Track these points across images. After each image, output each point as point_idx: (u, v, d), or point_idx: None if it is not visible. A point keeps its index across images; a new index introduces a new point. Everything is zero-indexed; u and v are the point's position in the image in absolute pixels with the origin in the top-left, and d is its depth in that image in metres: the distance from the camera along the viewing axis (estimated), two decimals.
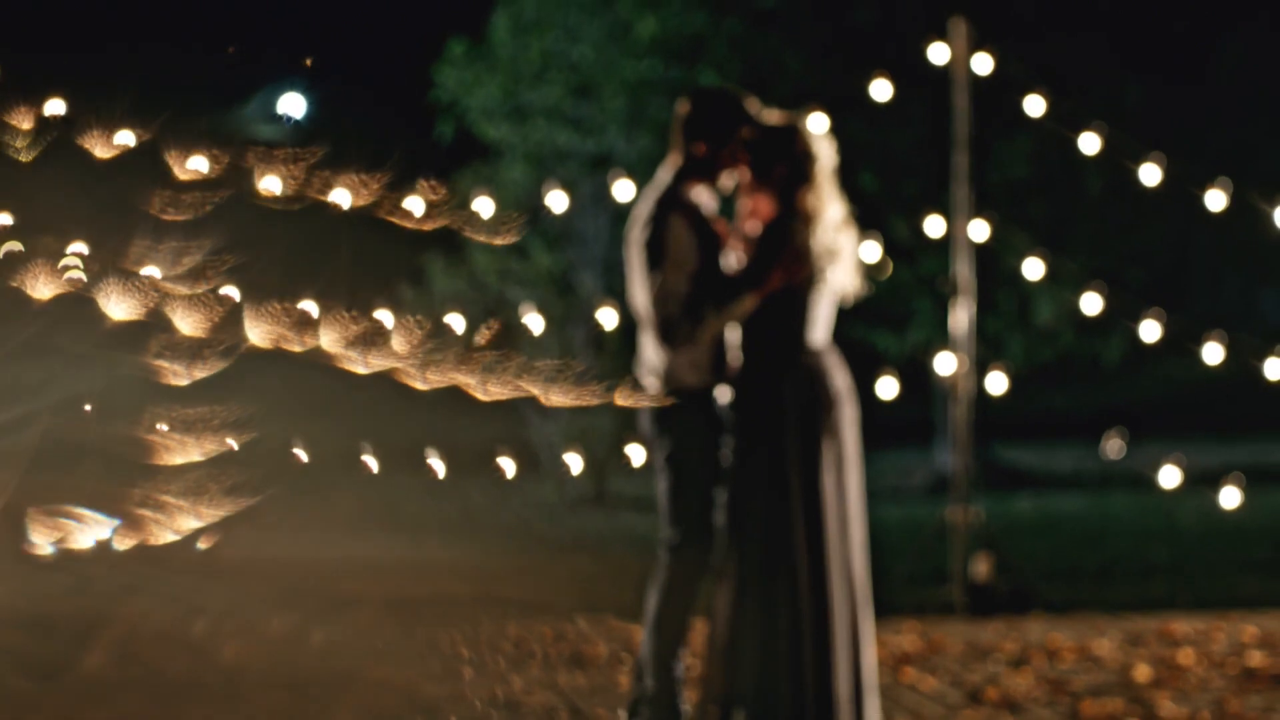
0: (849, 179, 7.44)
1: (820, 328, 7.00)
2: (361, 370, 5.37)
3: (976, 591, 10.76)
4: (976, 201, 11.08)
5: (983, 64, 10.90)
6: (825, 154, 7.01)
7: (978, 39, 10.96)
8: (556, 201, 10.28)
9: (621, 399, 6.48)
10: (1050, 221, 18.56)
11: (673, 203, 6.94)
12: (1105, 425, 22.08)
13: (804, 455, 6.86)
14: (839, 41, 18.67)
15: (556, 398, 6.22)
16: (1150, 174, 10.37)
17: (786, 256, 6.87)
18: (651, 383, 6.91)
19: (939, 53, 10.93)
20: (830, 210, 6.98)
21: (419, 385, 5.47)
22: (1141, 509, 16.63)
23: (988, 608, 10.65)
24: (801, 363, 6.94)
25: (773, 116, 7.05)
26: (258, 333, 5.20)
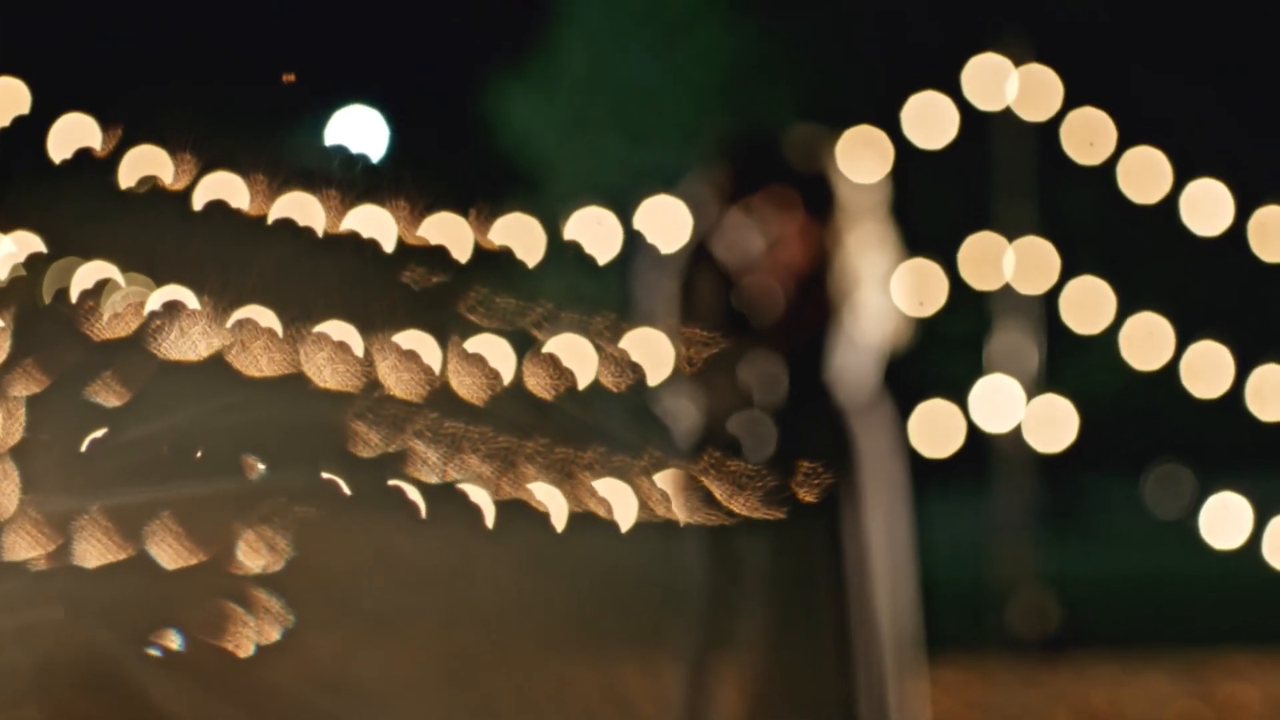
0: (907, 209, 7.27)
1: (854, 378, 6.81)
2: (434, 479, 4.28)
3: (1024, 631, 10.70)
4: (1037, 232, 10.93)
5: (1044, 87, 10.68)
6: (856, 195, 6.87)
7: (1036, 57, 10.75)
8: (606, 227, 10.08)
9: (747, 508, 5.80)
10: (1116, 257, 18.38)
11: (704, 253, 6.83)
12: (1173, 462, 21.87)
13: (824, 507, 6.67)
14: (899, 64, 18.57)
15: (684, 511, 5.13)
16: (1217, 215, 10.10)
17: (809, 309, 6.72)
18: (677, 411, 6.79)
19: (992, 72, 10.65)
20: (859, 255, 6.81)
21: (488, 507, 4.29)
22: (1203, 549, 16.41)
23: (1035, 647, 10.59)
24: (823, 414, 6.75)
25: (812, 148, 6.90)
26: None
